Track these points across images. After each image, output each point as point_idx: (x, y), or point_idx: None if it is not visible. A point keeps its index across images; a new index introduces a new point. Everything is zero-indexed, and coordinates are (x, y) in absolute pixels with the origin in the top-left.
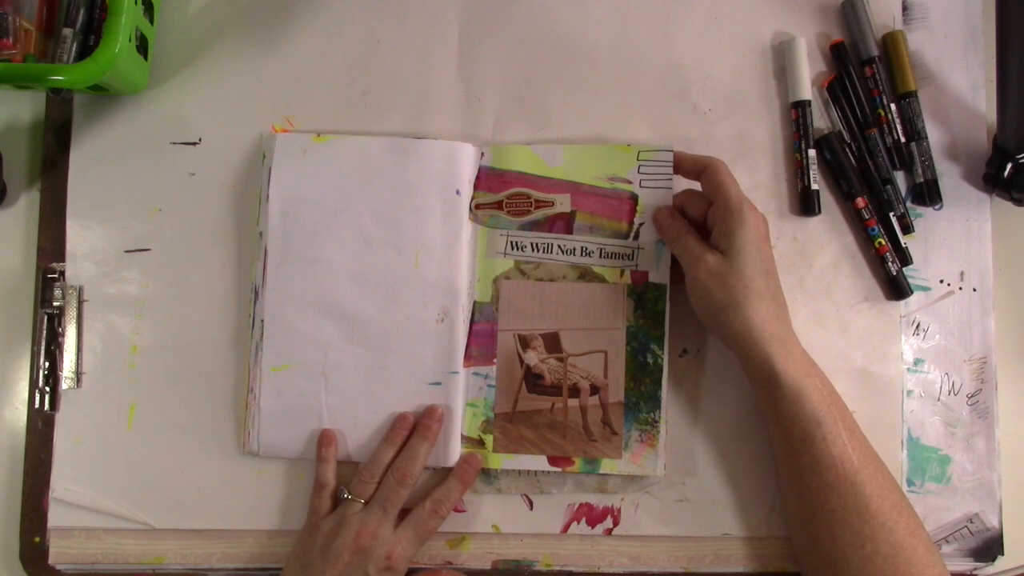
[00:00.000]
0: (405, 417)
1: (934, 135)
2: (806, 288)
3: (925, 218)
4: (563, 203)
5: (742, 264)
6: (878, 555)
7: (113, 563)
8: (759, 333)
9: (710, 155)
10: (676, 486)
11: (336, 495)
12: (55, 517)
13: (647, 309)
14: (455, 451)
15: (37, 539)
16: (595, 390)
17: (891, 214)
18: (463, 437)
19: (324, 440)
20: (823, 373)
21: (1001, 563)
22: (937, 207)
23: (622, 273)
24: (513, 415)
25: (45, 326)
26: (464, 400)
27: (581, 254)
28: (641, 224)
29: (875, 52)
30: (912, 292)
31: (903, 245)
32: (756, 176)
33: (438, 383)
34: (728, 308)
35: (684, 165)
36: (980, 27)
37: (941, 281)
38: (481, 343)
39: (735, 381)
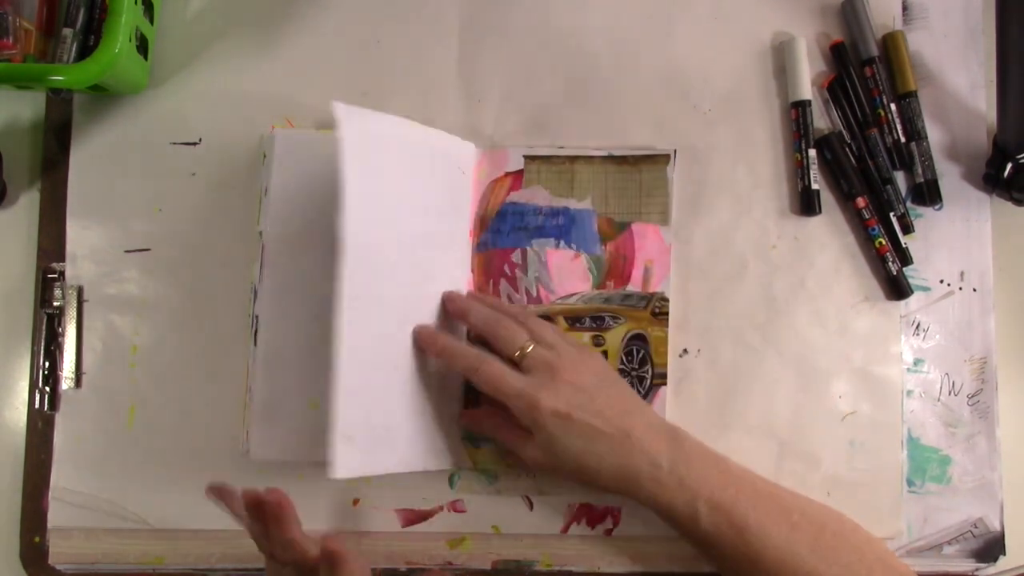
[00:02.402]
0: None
1: (934, 135)
2: (806, 288)
3: (925, 218)
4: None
5: (555, 453)
6: None
7: (113, 563)
8: (622, 487)
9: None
10: None
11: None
12: (55, 517)
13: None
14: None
15: (37, 539)
16: None
17: (891, 214)
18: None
19: (278, 505)
20: (694, 455)
21: (1003, 563)
22: (937, 207)
23: None
24: None
25: (45, 326)
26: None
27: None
28: None
29: (875, 52)
30: (912, 292)
31: (903, 245)
32: (756, 176)
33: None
34: (578, 481)
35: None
36: (980, 27)
37: (941, 281)
38: None
39: (735, 381)
